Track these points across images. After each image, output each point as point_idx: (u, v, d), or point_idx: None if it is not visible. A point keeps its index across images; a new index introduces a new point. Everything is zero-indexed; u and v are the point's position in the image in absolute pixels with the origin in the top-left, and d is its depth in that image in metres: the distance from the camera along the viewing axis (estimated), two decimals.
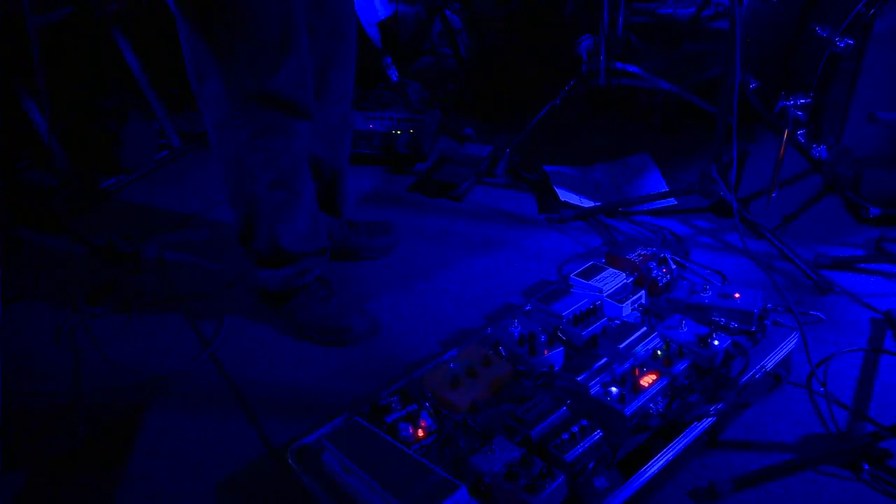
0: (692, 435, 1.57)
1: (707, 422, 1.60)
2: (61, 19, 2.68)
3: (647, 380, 1.62)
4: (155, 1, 3.09)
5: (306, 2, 1.87)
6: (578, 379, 1.63)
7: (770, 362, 1.73)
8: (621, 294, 1.91)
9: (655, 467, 1.51)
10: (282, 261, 2.05)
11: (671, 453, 1.54)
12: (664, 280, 2.00)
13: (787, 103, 2.39)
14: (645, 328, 1.78)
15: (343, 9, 2.05)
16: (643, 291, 1.94)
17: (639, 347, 1.72)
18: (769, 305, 1.87)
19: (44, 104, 2.64)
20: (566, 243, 2.42)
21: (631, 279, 1.97)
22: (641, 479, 1.48)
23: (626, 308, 1.89)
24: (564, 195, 2.60)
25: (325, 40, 2.00)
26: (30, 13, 2.45)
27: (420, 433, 1.56)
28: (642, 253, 2.07)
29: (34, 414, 1.87)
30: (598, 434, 1.52)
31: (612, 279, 1.94)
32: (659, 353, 1.70)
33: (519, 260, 2.35)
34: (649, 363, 1.68)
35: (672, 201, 2.56)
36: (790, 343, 1.79)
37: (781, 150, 2.36)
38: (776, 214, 2.48)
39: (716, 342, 1.70)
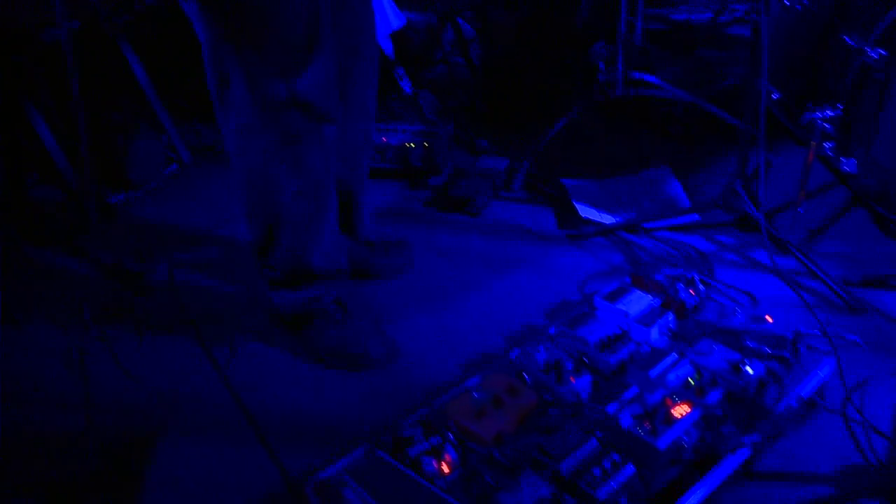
0: (727, 469, 1.51)
1: (742, 454, 1.54)
2: (70, 33, 2.63)
3: (679, 410, 1.56)
4: (162, 12, 3.04)
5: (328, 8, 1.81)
6: (608, 410, 1.57)
7: (806, 390, 1.67)
8: (648, 317, 1.85)
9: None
10: (301, 279, 1.99)
11: (706, 488, 1.47)
12: (692, 302, 1.94)
13: (815, 115, 2.33)
14: (675, 354, 1.72)
15: (363, 20, 2.00)
16: (671, 314, 1.88)
17: (670, 375, 1.66)
18: (802, 329, 1.80)
19: (79, 120, 2.59)
20: (587, 260, 2.36)
21: (658, 301, 1.91)
22: None
23: (654, 332, 1.83)
24: (584, 211, 2.54)
25: (345, 53, 1.94)
26: (62, 21, 2.40)
27: (445, 468, 1.50)
28: (669, 273, 2.01)
29: (43, 440, 1.82)
30: (630, 469, 1.46)
31: (638, 301, 1.89)
32: (691, 381, 1.64)
33: (539, 278, 2.29)
34: (681, 392, 1.62)
35: (695, 217, 2.50)
36: (826, 369, 1.73)
37: (808, 164, 2.30)
38: (802, 229, 2.41)
39: (749, 370, 1.64)
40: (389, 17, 2.93)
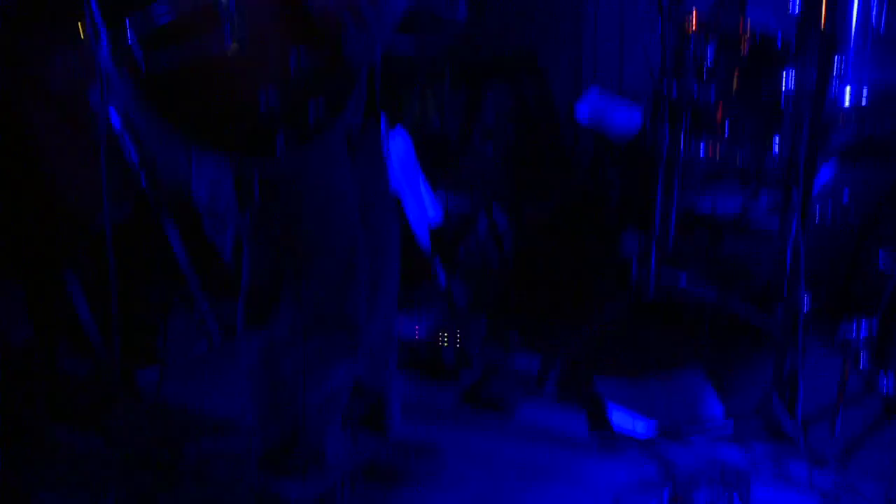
0: None
1: None
2: (123, 220, 2.72)
3: None
4: None
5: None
6: None
7: None
8: None
9: None
10: (312, 473, 1.97)
11: None
12: None
13: (850, 330, 2.33)
14: None
15: (388, 220, 2.06)
16: None
17: None
18: None
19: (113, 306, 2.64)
20: (621, 470, 2.30)
21: None
22: None
23: None
24: (617, 418, 2.51)
25: (372, 255, 1.99)
26: (107, 214, 2.49)
27: None
28: (707, 493, 1.96)
29: None
30: None
31: None
32: None
33: (573, 491, 2.23)
34: None
35: (729, 425, 2.47)
36: None
37: (843, 382, 2.29)
38: (839, 440, 2.36)
39: None
40: (428, 209, 3.01)
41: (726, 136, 2.81)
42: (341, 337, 1.81)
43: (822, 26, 2.09)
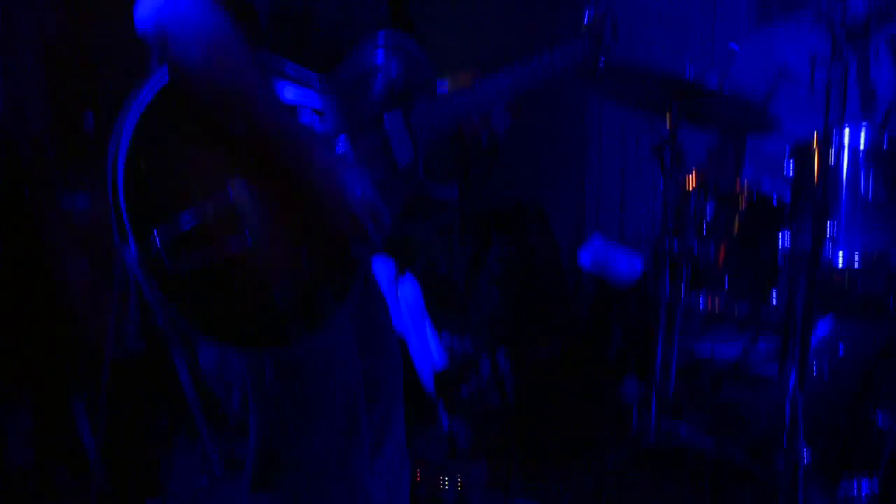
0: None
1: None
2: (136, 354, 2.77)
3: None
4: None
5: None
6: None
7: None
8: None
9: None
10: None
11: None
12: None
13: (851, 486, 2.34)
14: None
15: (392, 357, 2.10)
16: None
17: None
18: None
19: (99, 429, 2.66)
20: None
21: None
22: None
23: None
24: None
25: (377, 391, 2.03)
26: (111, 345, 2.54)
27: None
28: None
29: None
30: None
31: None
32: None
33: None
34: None
35: None
36: None
37: None
38: None
39: None
40: (434, 354, 3.07)
41: (725, 287, 2.88)
42: (344, 494, 1.83)
43: (815, 184, 2.20)
